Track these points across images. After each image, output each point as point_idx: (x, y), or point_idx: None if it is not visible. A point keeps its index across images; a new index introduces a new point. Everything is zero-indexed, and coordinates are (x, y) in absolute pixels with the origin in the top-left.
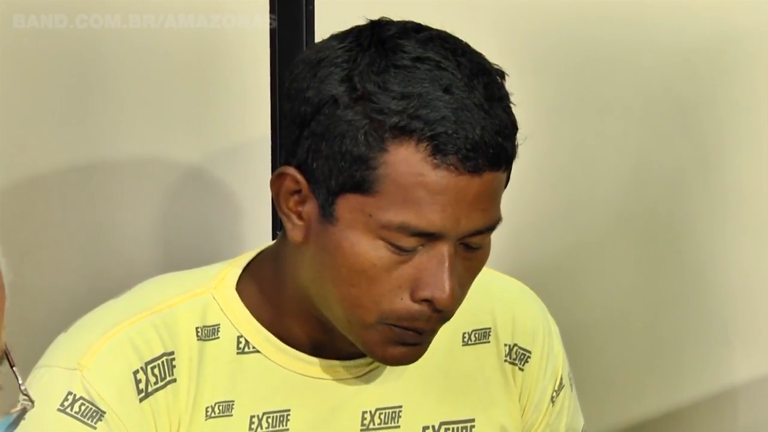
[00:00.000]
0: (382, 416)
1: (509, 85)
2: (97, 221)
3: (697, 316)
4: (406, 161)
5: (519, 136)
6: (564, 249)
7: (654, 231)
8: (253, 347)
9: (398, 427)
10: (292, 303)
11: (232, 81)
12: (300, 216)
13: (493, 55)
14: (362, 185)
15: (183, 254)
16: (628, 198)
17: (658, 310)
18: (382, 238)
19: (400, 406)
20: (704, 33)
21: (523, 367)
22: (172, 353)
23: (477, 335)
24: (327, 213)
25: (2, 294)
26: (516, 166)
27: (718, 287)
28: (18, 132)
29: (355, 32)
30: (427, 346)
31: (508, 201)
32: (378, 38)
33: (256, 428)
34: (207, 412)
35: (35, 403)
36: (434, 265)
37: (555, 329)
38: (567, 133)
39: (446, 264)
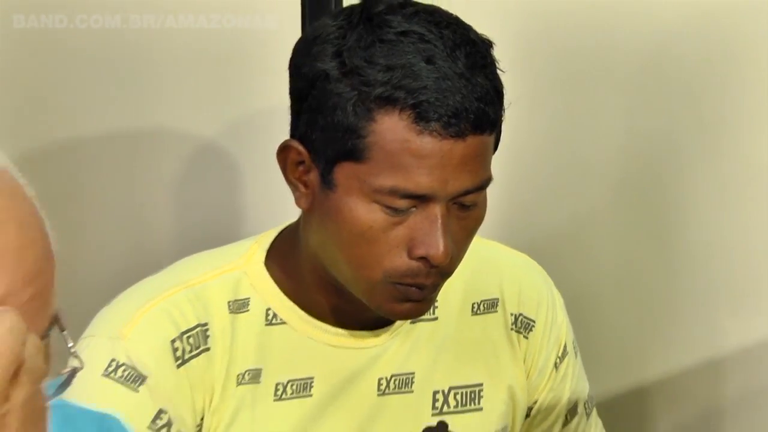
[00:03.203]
0: (397, 382)
1: (504, 54)
2: (136, 204)
3: (694, 281)
4: (392, 129)
5: (506, 100)
6: (566, 220)
7: (653, 199)
8: (281, 319)
9: (411, 392)
10: (310, 272)
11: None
12: (305, 185)
13: (496, 28)
14: (354, 153)
15: (219, 231)
16: (629, 168)
17: (657, 277)
18: (377, 202)
19: (413, 373)
20: None
21: (527, 336)
22: (206, 324)
23: (486, 305)
24: (327, 181)
25: (52, 263)
26: (520, 140)
27: (714, 254)
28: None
29: (348, 11)
30: (432, 302)
31: (515, 176)
32: (366, 15)
33: (281, 395)
34: (238, 379)
35: (81, 370)
36: (427, 225)
37: (559, 300)
38: (568, 105)
39: (438, 223)
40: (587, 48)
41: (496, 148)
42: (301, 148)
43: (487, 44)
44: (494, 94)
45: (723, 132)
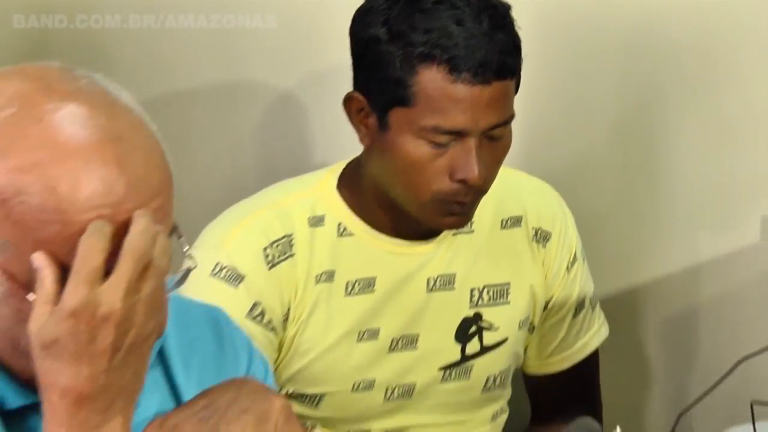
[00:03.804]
0: (442, 281)
1: (522, 17)
2: (232, 142)
3: (677, 203)
4: (432, 80)
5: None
6: (574, 152)
7: (643, 136)
8: (350, 231)
9: (453, 289)
10: (372, 195)
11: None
12: (366, 127)
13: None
14: (403, 100)
15: (296, 164)
16: (624, 110)
17: (646, 200)
18: (422, 138)
19: (455, 274)
20: None
21: (545, 245)
22: (291, 235)
23: (512, 221)
24: (382, 123)
25: (171, 183)
26: (536, 87)
27: (692, 181)
28: None
29: None
30: (470, 216)
31: (532, 116)
32: None
33: (350, 291)
34: (316, 278)
35: (192, 273)
36: (464, 155)
37: (570, 217)
38: (574, 58)
39: (473, 153)
40: (591, 13)
41: (516, 90)
42: (361, 97)
43: (507, 7)
44: (512, 47)
45: (702, 82)
